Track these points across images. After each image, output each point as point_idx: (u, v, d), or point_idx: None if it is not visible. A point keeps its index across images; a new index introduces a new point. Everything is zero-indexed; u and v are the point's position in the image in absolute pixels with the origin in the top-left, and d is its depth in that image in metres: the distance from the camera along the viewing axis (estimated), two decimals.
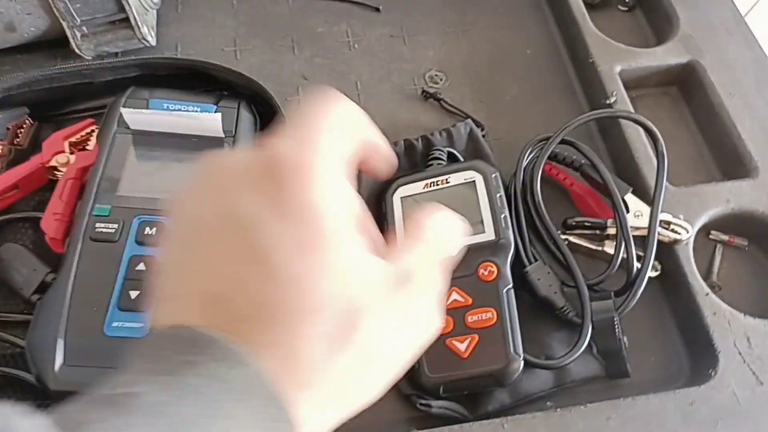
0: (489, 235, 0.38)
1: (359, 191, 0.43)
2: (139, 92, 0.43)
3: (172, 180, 0.39)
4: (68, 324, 0.32)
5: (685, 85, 0.51)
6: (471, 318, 0.36)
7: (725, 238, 0.44)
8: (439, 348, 0.36)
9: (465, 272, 0.37)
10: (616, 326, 0.37)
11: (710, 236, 0.45)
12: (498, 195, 0.40)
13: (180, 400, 0.17)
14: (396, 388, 0.38)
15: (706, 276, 0.43)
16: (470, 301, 0.37)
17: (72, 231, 0.36)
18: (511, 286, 0.37)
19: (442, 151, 0.44)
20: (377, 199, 0.43)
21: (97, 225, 0.36)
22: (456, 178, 0.41)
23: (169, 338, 0.19)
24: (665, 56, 0.50)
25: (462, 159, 0.45)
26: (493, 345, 0.35)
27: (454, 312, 0.37)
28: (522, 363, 0.35)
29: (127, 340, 0.32)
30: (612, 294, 0.39)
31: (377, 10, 0.55)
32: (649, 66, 0.50)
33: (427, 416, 0.37)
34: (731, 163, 0.46)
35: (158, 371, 0.18)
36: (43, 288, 0.36)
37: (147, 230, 0.36)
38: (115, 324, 0.33)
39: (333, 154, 0.21)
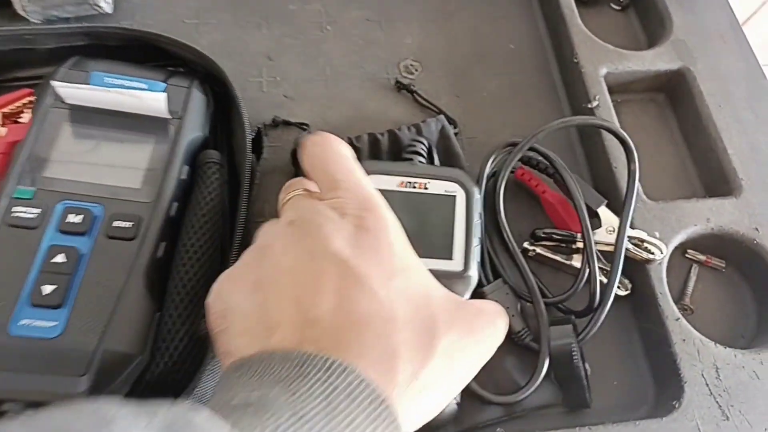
0: (456, 264, 0.34)
1: None
2: (83, 63, 0.39)
3: (106, 162, 0.35)
4: None
5: (674, 93, 0.48)
6: None
7: (702, 258, 0.42)
8: None
9: None
10: (575, 355, 0.35)
11: (686, 255, 0.42)
12: (476, 222, 0.35)
13: (301, 400, 0.20)
14: None
15: (679, 297, 0.40)
16: None
17: None
18: None
19: (423, 144, 0.41)
20: None
21: (15, 209, 0.32)
22: (435, 187, 0.36)
23: (276, 359, 0.22)
24: (655, 61, 0.47)
25: (438, 159, 0.42)
26: None
27: None
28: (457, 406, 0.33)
29: (34, 341, 0.29)
30: (572, 319, 0.36)
31: None
32: (636, 70, 0.46)
33: None
34: (714, 179, 0.44)
35: (274, 381, 0.21)
36: None
37: (71, 217, 0.32)
38: (22, 322, 0.29)
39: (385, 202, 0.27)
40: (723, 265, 0.42)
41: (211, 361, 0.31)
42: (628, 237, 0.37)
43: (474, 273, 0.34)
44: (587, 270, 0.37)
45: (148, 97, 0.36)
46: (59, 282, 0.30)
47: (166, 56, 0.42)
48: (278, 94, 0.46)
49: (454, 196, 0.36)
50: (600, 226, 0.38)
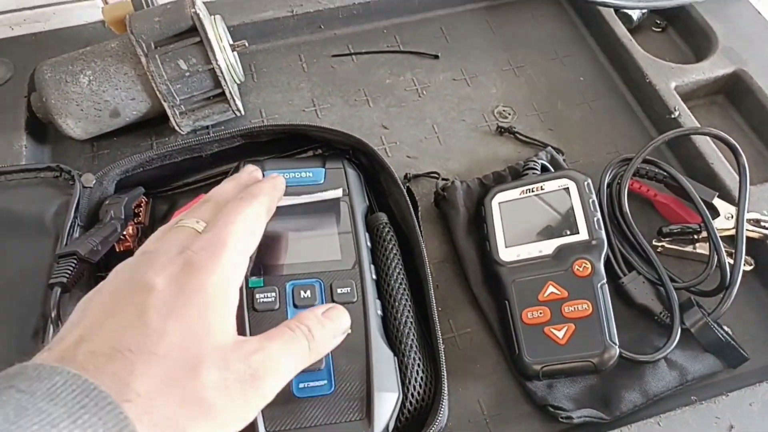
0: (583, 235, 0.42)
1: (458, 199, 0.47)
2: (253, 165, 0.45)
3: (306, 244, 0.41)
4: None
5: (732, 92, 0.56)
6: (567, 309, 0.39)
7: None
8: (537, 335, 0.39)
9: (560, 268, 0.41)
10: (712, 326, 0.40)
11: None
12: (590, 200, 0.43)
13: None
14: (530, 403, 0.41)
15: None
16: (566, 294, 0.40)
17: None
18: (605, 281, 0.40)
19: (536, 162, 0.48)
20: (476, 205, 0.47)
21: (257, 296, 0.38)
22: (551, 185, 0.45)
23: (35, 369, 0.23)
24: (712, 69, 0.55)
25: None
26: (590, 333, 0.38)
27: (551, 303, 0.40)
28: (617, 350, 0.38)
29: (316, 399, 0.34)
30: (694, 301, 0.42)
31: (436, 57, 0.59)
32: (699, 79, 0.54)
33: (569, 428, 0.40)
34: None
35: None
36: None
37: (301, 293, 0.38)
38: (301, 385, 0.35)
39: (237, 258, 0.30)
40: None
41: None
42: (746, 219, 0.44)
43: (600, 238, 0.41)
44: (715, 254, 0.43)
45: (326, 187, 0.43)
46: None
47: (304, 141, 0.49)
48: (402, 156, 0.53)
49: (568, 187, 0.44)
50: (718, 215, 0.45)
